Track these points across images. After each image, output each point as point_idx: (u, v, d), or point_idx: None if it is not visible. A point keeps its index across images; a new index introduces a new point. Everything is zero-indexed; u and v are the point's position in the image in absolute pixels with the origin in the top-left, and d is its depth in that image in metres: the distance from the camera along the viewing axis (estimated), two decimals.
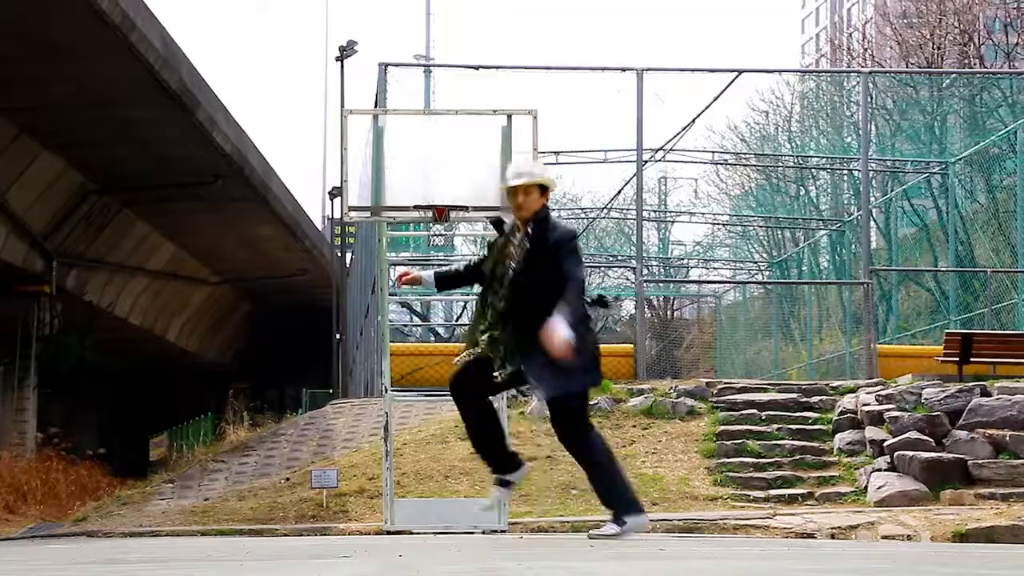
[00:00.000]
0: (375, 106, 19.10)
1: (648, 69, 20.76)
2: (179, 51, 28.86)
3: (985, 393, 15.98)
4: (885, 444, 15.33)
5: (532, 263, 8.44)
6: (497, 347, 8.52)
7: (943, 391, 16.01)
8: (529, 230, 8.51)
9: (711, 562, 6.53)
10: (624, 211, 37.11)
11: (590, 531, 8.97)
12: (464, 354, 8.76)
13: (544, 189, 8.62)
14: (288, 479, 16.83)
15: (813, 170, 34.55)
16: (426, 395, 16.02)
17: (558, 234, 8.53)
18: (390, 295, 14.95)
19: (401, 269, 9.66)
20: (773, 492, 15.05)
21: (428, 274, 9.39)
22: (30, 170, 31.98)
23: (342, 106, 34.79)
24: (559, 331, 8.05)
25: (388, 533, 12.57)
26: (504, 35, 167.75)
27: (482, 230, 17.94)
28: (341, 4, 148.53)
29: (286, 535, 13.55)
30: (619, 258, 41.88)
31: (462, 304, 44.77)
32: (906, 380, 17.01)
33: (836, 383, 18.66)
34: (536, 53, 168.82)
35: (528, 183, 8.56)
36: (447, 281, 9.35)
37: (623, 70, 20.89)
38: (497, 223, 8.94)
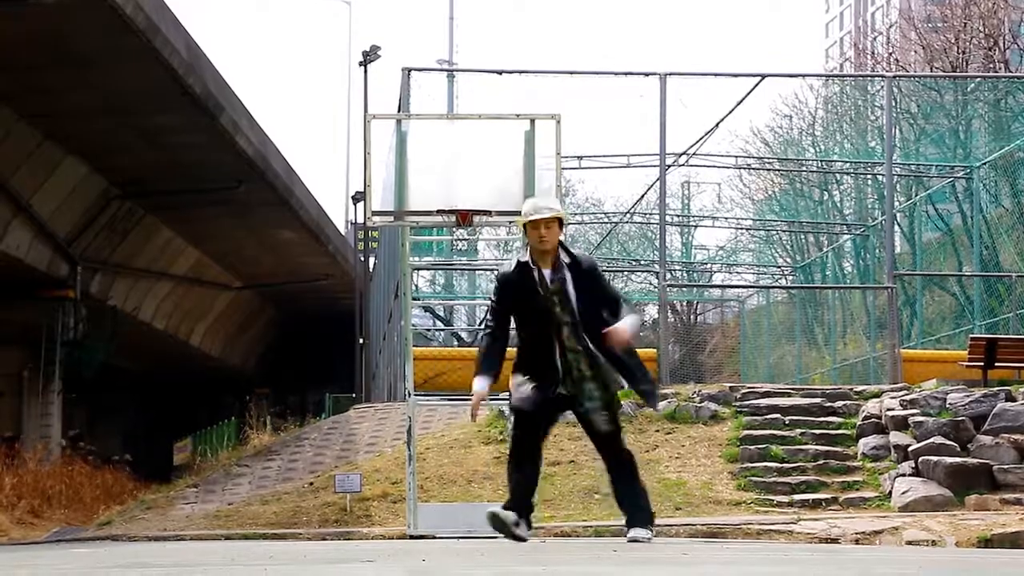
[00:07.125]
0: (398, 111, 19.11)
1: (671, 73, 20.72)
2: (203, 56, 28.94)
3: (1010, 398, 15.89)
4: (909, 449, 15.27)
5: (579, 290, 8.86)
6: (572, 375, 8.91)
7: (968, 396, 15.92)
8: (565, 263, 8.91)
9: (734, 567, 6.51)
10: (647, 215, 37.09)
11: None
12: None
13: (561, 222, 9.01)
14: (311, 483, 16.85)
15: (837, 174, 34.42)
16: (449, 399, 16.02)
17: (588, 262, 9.09)
18: (412, 299, 14.95)
19: (474, 408, 9.28)
20: (797, 497, 15.00)
21: (485, 387, 9.04)
22: (54, 176, 32.11)
23: (365, 111, 34.73)
24: (625, 329, 8.78)
25: (411, 538, 12.57)
26: (527, 40, 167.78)
27: (505, 234, 17.98)
28: (365, 9, 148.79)
29: (309, 539, 13.55)
30: (642, 263, 41.84)
31: (485, 308, 44.60)
32: (930, 385, 16.93)
33: (860, 388, 18.57)
34: (559, 58, 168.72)
35: (552, 216, 8.88)
36: (498, 367, 9.10)
37: (646, 75, 20.86)
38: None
